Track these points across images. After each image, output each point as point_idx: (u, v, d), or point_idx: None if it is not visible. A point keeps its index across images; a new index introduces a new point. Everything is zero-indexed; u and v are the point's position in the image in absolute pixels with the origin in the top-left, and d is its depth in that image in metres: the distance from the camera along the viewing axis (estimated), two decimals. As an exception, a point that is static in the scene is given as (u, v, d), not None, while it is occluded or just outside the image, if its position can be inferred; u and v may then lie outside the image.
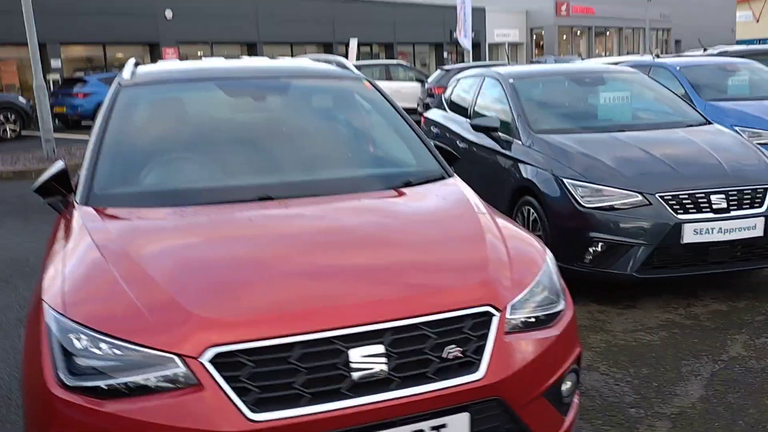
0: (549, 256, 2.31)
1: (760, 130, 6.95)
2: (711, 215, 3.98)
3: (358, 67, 16.32)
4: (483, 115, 5.57)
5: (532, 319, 2.05)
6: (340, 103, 3.31)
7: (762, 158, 4.39)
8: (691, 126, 4.97)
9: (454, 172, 2.95)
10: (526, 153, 4.70)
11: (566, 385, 2.12)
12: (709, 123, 5.07)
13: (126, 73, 3.22)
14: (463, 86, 6.40)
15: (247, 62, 3.70)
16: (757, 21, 66.13)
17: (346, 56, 30.97)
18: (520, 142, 4.82)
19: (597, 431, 2.76)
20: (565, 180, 4.22)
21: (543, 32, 45.49)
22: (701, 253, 4.03)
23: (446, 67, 16.94)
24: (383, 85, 17.50)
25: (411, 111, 16.05)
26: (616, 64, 9.38)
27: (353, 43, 29.11)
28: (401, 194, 2.61)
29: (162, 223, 2.31)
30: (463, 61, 31.95)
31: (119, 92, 3.01)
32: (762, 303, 4.13)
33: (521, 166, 4.68)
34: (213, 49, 27.43)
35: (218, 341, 1.71)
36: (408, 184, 2.70)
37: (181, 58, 26.15)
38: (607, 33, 51.64)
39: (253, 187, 2.57)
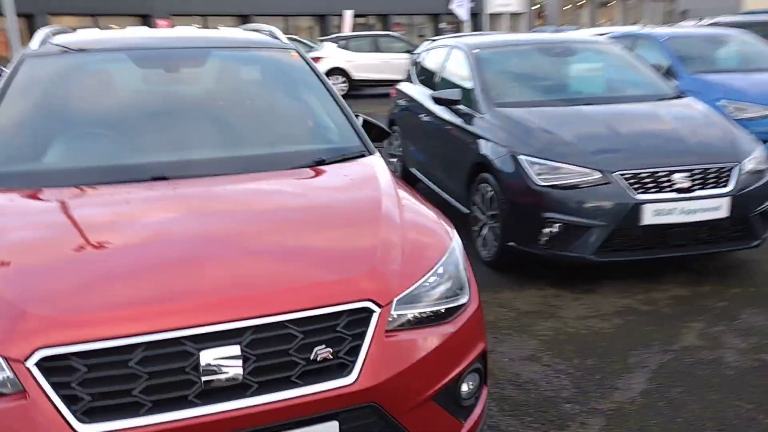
0: (456, 242, 2.09)
1: (746, 104, 6.66)
2: (673, 195, 3.75)
3: (346, 39, 15.96)
4: (449, 86, 5.31)
5: (427, 314, 1.84)
6: (261, 75, 3.07)
7: (731, 135, 4.14)
8: (663, 99, 4.70)
9: (376, 149, 2.72)
10: (485, 127, 4.45)
11: (466, 387, 1.92)
12: (682, 96, 4.80)
13: (34, 42, 2.99)
14: (432, 57, 6.12)
15: (172, 32, 3.44)
16: (767, -9, 65.16)
17: (340, 28, 30.46)
18: (480, 116, 4.57)
19: (525, 428, 2.58)
20: (520, 156, 3.97)
21: (545, 2, 44.60)
22: (662, 235, 3.80)
23: (434, 38, 16.53)
24: (372, 57, 17.23)
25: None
26: (602, 35, 9.05)
27: (348, 15, 28.54)
28: (306, 174, 2.39)
29: (30, 206, 2.10)
30: (461, 32, 31.35)
31: (22, 63, 2.79)
32: (726, 288, 3.92)
33: (480, 141, 4.43)
34: (207, 22, 26.95)
35: (48, 343, 1.52)
36: (321, 163, 2.48)
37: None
38: (611, 3, 50.66)
39: (147, 165, 2.35)
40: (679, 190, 3.75)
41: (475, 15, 40.24)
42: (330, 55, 16.98)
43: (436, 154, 5.36)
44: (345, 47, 17.34)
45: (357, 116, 2.93)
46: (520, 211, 3.97)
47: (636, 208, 3.70)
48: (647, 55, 8.12)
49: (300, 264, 1.80)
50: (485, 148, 4.32)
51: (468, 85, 4.92)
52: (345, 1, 29.84)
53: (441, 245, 2.01)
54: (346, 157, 2.54)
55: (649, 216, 3.72)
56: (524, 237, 3.97)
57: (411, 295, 1.81)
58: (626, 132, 4.04)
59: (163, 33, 3.33)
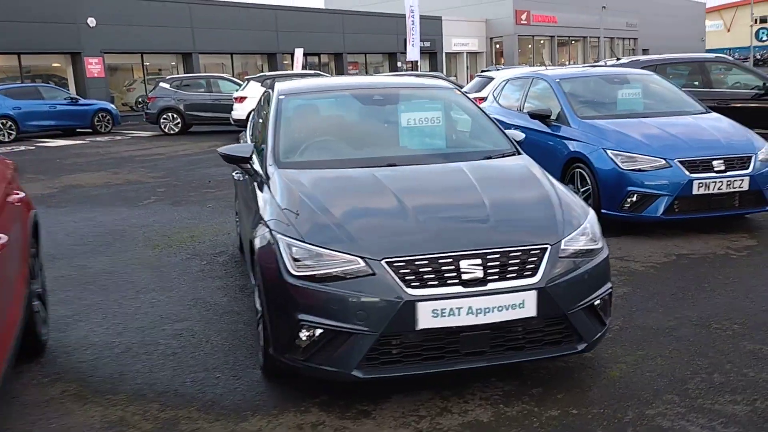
0: None
1: (636, 154, 5.87)
2: (459, 289, 2.83)
3: (272, 78, 15.08)
4: (257, 138, 4.41)
5: None
6: None
7: (552, 206, 3.24)
8: (491, 158, 3.83)
9: None
10: (265, 194, 3.53)
11: None
12: (516, 154, 3.93)
13: None
14: (260, 103, 5.25)
15: None
16: (728, 30, 66.27)
17: (291, 67, 29.86)
18: (265, 179, 3.66)
19: None
20: (278, 237, 3.04)
21: (503, 41, 44.73)
22: (450, 341, 2.88)
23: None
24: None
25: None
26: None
27: (299, 53, 27.99)
28: None
29: None
30: (417, 71, 31.06)
31: None
32: (543, 409, 2.96)
33: (255, 212, 3.51)
34: (144, 59, 26.09)
35: None
36: None
37: (108, 69, 24.77)
38: (572, 42, 51.09)
39: None
40: (468, 283, 2.84)
41: (434, 54, 40.31)
42: (254, 94, 16.13)
43: (241, 225, 4.44)
44: (270, 87, 16.55)
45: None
46: (276, 310, 3.02)
47: (408, 307, 2.77)
48: (542, 98, 7.38)
49: None
50: (257, 224, 3.39)
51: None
52: (296, 39, 29.34)
53: None
54: None
55: (427, 318, 2.79)
56: (282, 344, 3.00)
57: None
58: (414, 205, 3.15)
59: None
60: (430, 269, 2.83)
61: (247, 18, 28.72)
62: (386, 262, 2.82)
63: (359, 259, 2.84)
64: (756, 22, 45.62)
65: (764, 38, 42.16)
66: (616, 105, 6.98)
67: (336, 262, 2.87)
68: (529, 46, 46.93)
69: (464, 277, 2.84)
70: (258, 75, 18.20)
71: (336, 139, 4.05)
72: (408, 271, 2.82)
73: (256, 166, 3.88)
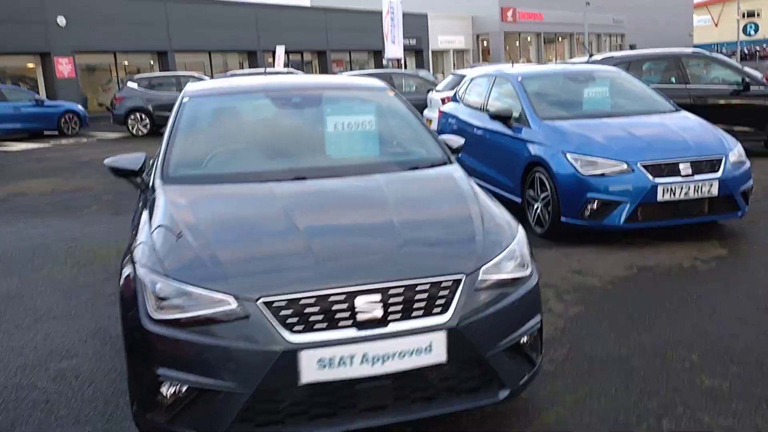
0: None
1: (597, 158, 5.42)
2: (352, 333, 2.36)
3: (240, 77, 14.47)
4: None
5: None
6: None
7: (473, 227, 2.74)
8: (417, 168, 3.37)
9: None
10: (144, 214, 3.04)
11: None
12: (448, 163, 3.46)
13: None
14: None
15: None
16: (716, 25, 66.01)
17: (273, 64, 29.26)
18: (151, 195, 3.17)
19: None
20: (140, 270, 2.53)
21: (489, 38, 44.26)
22: (341, 396, 2.40)
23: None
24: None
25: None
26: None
27: (280, 51, 27.43)
28: None
29: None
30: (403, 68, 30.63)
31: None
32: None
33: (132, 236, 3.03)
34: (117, 59, 25.45)
35: None
36: None
37: (80, 69, 24.15)
38: (559, 39, 50.68)
39: None
40: (363, 325, 2.37)
41: (420, 51, 39.79)
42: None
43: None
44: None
45: None
46: (134, 361, 2.53)
47: (288, 357, 2.29)
48: (505, 97, 6.93)
49: None
50: (126, 251, 2.88)
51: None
52: (277, 37, 28.75)
53: None
54: None
55: (312, 369, 2.31)
56: (143, 401, 2.50)
57: None
58: (308, 229, 2.66)
59: None
60: (317, 309, 2.35)
61: (225, 15, 28.13)
62: (263, 302, 2.34)
63: (231, 299, 2.36)
64: (743, 17, 45.37)
65: (752, 33, 41.90)
66: (582, 105, 6.52)
67: (206, 303, 2.38)
68: (516, 43, 46.49)
69: (359, 317, 2.36)
70: (228, 73, 17.68)
71: (242, 148, 3.56)
72: (290, 312, 2.34)
73: (151, 180, 3.40)
